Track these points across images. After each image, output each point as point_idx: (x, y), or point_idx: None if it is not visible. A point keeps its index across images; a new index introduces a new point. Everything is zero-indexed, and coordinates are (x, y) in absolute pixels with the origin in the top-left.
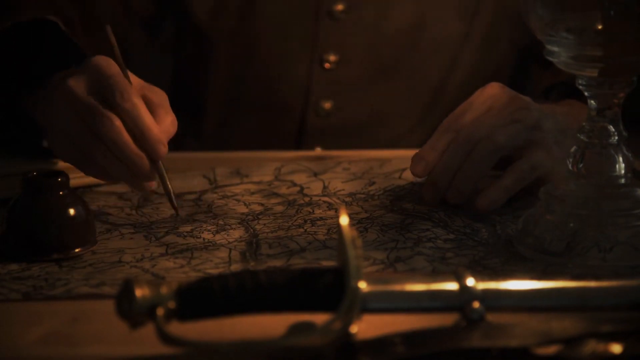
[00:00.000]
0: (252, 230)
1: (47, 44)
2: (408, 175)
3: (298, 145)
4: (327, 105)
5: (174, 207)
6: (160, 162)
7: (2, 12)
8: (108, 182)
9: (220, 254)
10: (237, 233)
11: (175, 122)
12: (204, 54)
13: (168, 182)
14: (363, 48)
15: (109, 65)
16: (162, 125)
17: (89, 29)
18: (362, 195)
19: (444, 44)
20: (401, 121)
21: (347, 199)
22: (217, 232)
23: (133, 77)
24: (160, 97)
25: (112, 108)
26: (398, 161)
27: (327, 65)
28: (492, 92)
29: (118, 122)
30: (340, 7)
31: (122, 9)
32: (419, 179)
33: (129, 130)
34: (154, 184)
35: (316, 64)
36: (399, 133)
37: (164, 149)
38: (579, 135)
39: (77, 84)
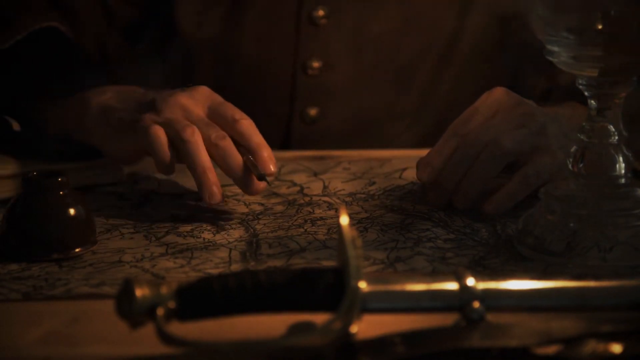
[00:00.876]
0: (252, 230)
1: (60, 54)
2: (408, 175)
3: None
4: (313, 111)
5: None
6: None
7: (4, 25)
8: (111, 182)
9: (220, 254)
10: (237, 233)
11: None
12: (188, 62)
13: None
14: (346, 53)
15: (217, 94)
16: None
17: (75, 36)
18: (362, 195)
19: (431, 46)
20: (390, 125)
21: (347, 199)
22: (217, 232)
23: None
24: None
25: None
26: (398, 161)
27: (310, 71)
28: (498, 96)
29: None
30: (321, 12)
31: (105, 16)
32: (419, 179)
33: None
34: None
35: (299, 71)
36: (389, 137)
37: (274, 168)
38: (579, 135)
39: (190, 102)
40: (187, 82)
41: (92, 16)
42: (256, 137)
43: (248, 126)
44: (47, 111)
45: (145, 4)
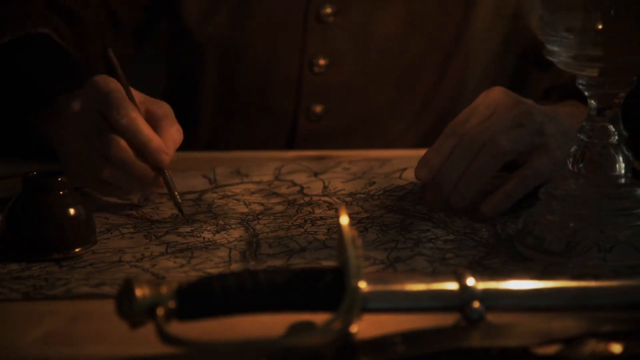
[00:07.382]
0: (252, 230)
1: (47, 60)
2: (408, 175)
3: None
4: (318, 109)
5: (180, 212)
6: (166, 170)
7: None
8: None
9: (220, 254)
10: (237, 233)
11: (181, 131)
12: (195, 60)
13: (174, 188)
14: (353, 51)
15: (107, 82)
16: (166, 134)
17: (80, 44)
18: (362, 195)
19: (436, 45)
20: (393, 124)
21: (347, 199)
22: (217, 231)
23: (135, 93)
24: (164, 109)
25: (112, 125)
26: (398, 161)
27: (316, 69)
28: (496, 96)
29: (122, 142)
30: (328, 10)
31: (110, 20)
32: (417, 178)
33: (131, 145)
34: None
35: (306, 68)
36: (392, 136)
37: (165, 157)
38: (579, 135)
39: (78, 105)
40: (194, 81)
41: (99, 23)
42: (140, 135)
43: (128, 126)
44: (28, 116)
45: (151, 5)
